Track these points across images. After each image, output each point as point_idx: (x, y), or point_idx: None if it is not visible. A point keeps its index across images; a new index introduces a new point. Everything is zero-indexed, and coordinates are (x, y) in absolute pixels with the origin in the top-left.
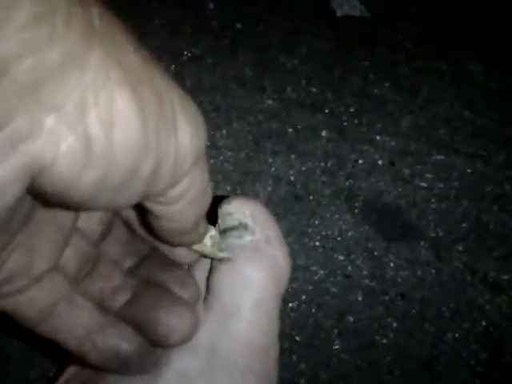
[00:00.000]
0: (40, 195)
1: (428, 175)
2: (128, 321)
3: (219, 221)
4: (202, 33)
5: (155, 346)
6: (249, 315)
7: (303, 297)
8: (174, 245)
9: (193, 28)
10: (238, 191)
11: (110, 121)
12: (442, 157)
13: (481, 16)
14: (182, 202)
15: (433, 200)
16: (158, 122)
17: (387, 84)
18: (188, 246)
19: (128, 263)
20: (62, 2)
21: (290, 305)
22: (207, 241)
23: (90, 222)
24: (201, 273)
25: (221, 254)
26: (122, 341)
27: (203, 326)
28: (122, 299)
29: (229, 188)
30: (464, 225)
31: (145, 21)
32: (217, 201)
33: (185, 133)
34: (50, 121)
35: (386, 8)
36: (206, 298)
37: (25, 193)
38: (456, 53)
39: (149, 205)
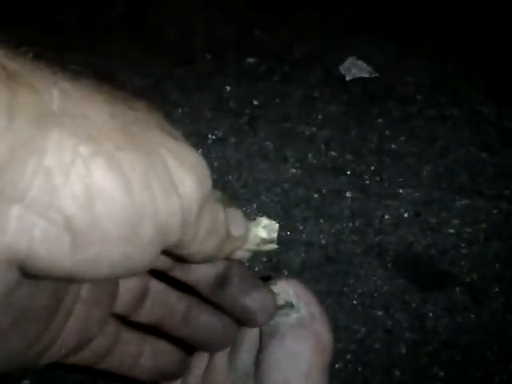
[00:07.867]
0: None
1: (455, 221)
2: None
3: None
4: (222, 114)
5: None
6: None
7: (348, 356)
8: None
9: (213, 111)
10: (274, 260)
11: (88, 196)
12: (466, 201)
13: (485, 58)
14: (197, 241)
15: (463, 245)
16: (148, 183)
17: (403, 137)
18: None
19: (203, 287)
20: (2, 98)
21: (337, 366)
22: (255, 238)
23: None
24: (248, 351)
25: (267, 247)
26: (162, 357)
27: None
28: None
29: (265, 259)
30: (497, 265)
31: (168, 111)
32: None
33: (186, 184)
34: (15, 211)
35: (392, 65)
36: (255, 374)
37: (18, 280)
38: (466, 97)
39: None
